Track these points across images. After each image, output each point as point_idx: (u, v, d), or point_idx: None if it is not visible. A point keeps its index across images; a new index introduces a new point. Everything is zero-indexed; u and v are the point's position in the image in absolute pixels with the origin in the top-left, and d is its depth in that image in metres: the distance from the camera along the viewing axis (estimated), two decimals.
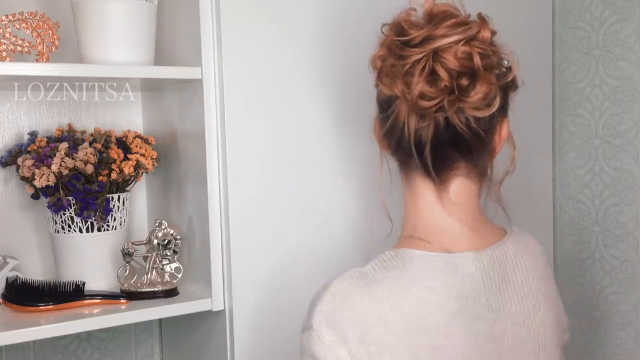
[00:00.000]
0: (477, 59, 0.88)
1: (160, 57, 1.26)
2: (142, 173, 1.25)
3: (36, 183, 1.16)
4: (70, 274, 1.21)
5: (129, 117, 1.40)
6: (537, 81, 1.58)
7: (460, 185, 0.95)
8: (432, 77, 0.87)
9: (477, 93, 0.88)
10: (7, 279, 1.14)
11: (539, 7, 1.57)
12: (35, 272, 1.30)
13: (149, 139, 1.28)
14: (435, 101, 0.87)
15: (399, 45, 0.90)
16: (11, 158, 1.24)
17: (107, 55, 1.15)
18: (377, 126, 1.00)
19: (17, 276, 1.15)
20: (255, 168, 1.20)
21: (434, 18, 0.91)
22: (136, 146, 1.24)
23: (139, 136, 1.27)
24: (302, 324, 0.91)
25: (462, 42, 0.88)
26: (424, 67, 0.87)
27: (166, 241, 1.23)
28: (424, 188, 0.96)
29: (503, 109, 0.95)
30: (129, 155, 1.22)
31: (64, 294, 1.15)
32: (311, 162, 1.25)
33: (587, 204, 1.57)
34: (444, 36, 0.88)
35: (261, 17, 1.19)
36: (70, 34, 1.20)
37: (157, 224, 1.23)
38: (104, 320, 1.12)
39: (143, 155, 1.24)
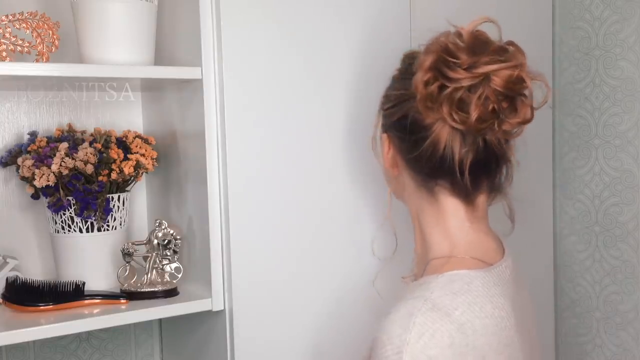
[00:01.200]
0: (528, 83, 0.93)
1: (160, 57, 1.26)
2: (142, 173, 1.25)
3: (36, 183, 1.16)
4: (70, 274, 1.21)
5: (129, 117, 1.40)
6: (537, 81, 1.58)
7: (482, 201, 0.99)
8: (485, 101, 0.91)
9: (519, 115, 0.93)
10: (7, 279, 1.14)
11: (539, 7, 1.57)
12: (35, 272, 1.30)
13: (149, 139, 1.28)
14: (488, 123, 0.91)
15: (450, 68, 0.91)
16: (11, 158, 1.24)
17: (107, 55, 1.15)
18: (389, 146, 1.01)
19: (17, 276, 1.15)
20: (256, 168, 1.20)
21: (477, 43, 0.93)
22: (136, 146, 1.24)
23: (139, 136, 1.27)
24: None
25: (509, 68, 0.92)
26: (480, 91, 0.90)
27: (166, 241, 1.23)
28: (453, 206, 0.98)
29: None
30: (129, 155, 1.22)
31: (64, 294, 1.15)
32: (311, 161, 1.25)
33: (587, 204, 1.57)
34: (492, 62, 0.91)
35: (261, 17, 1.19)
36: (70, 34, 1.20)
37: (157, 224, 1.23)
38: (104, 320, 1.12)
39: (143, 155, 1.24)
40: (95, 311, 1.14)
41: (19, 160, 1.21)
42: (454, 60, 0.91)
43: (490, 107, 0.90)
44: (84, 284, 1.17)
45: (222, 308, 1.21)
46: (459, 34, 0.94)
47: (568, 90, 1.59)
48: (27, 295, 1.13)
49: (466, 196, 0.98)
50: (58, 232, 1.21)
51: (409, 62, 1.01)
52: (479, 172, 0.96)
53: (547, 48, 1.61)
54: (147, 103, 1.40)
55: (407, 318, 0.88)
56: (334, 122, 1.27)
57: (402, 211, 1.08)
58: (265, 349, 1.22)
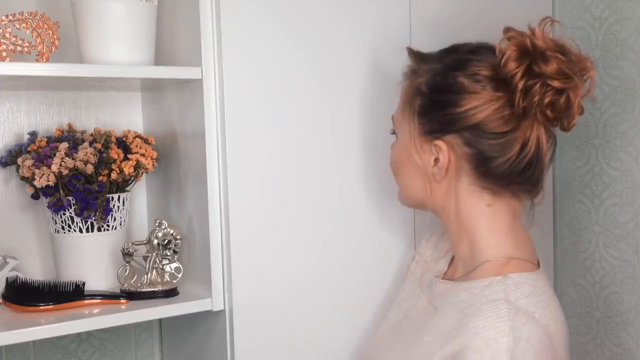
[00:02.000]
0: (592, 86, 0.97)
1: (160, 57, 1.26)
2: (142, 173, 1.25)
3: (36, 183, 1.16)
4: (70, 274, 1.21)
5: (129, 117, 1.40)
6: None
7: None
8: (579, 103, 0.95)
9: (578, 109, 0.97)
10: (7, 279, 1.14)
11: (539, 7, 1.57)
12: (35, 272, 1.30)
13: (149, 139, 1.28)
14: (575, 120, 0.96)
15: (550, 77, 0.92)
16: (11, 158, 1.24)
17: (107, 55, 1.15)
18: (448, 153, 0.98)
19: (17, 276, 1.15)
20: (256, 168, 1.20)
21: (559, 46, 0.96)
22: (136, 146, 1.24)
23: (139, 136, 1.27)
24: None
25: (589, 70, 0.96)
26: (577, 95, 0.94)
27: (166, 241, 1.23)
28: (513, 208, 1.00)
29: None
30: (129, 155, 1.22)
31: (64, 294, 1.15)
32: (311, 162, 1.25)
33: (587, 204, 1.57)
34: (582, 66, 0.95)
35: (261, 17, 1.19)
36: (70, 34, 1.20)
37: (157, 224, 1.23)
38: (104, 320, 1.12)
39: (143, 155, 1.24)
40: (95, 311, 1.14)
41: (19, 160, 1.21)
42: (550, 62, 0.92)
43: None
44: (84, 284, 1.17)
45: (222, 308, 1.21)
46: (534, 35, 0.95)
47: None
48: (27, 295, 1.13)
49: (530, 195, 1.00)
50: (58, 232, 1.21)
51: (473, 65, 0.96)
52: (549, 160, 0.99)
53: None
54: (147, 103, 1.40)
55: (500, 322, 0.88)
56: (334, 121, 1.27)
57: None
58: (265, 349, 1.22)
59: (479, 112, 0.94)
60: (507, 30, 0.94)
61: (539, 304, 0.91)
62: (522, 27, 1.56)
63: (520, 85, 0.91)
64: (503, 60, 0.92)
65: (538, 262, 1.02)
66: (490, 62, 0.95)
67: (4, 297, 1.14)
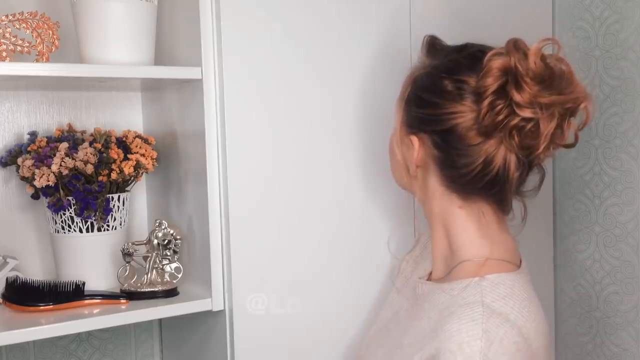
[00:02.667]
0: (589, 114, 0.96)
1: (160, 57, 1.26)
2: (142, 173, 1.25)
3: (36, 183, 1.16)
4: (70, 274, 1.21)
5: (129, 117, 1.40)
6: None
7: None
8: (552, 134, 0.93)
9: (566, 137, 0.95)
10: (7, 279, 1.14)
11: (539, 7, 1.57)
12: (35, 272, 1.30)
13: (149, 139, 1.28)
14: (549, 150, 0.94)
15: (520, 103, 0.90)
16: (11, 158, 1.24)
17: (107, 55, 1.15)
18: (419, 148, 0.99)
19: (17, 276, 1.15)
20: (256, 168, 1.20)
21: (545, 73, 0.92)
22: (136, 146, 1.24)
23: (139, 136, 1.27)
24: None
25: (573, 101, 0.94)
26: (549, 126, 0.91)
27: (166, 241, 1.23)
28: (488, 210, 0.99)
29: None
30: (129, 155, 1.22)
31: (64, 294, 1.15)
32: (311, 161, 1.25)
33: (587, 204, 1.57)
34: (561, 95, 0.93)
35: (261, 17, 1.19)
36: (70, 34, 1.20)
37: (157, 224, 1.23)
38: (104, 320, 1.12)
39: (143, 155, 1.24)
40: (95, 311, 1.14)
41: (19, 160, 1.21)
42: (523, 90, 0.89)
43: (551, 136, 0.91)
44: (84, 284, 1.17)
45: (222, 308, 1.21)
46: (525, 57, 0.91)
47: None
48: (27, 295, 1.13)
49: (504, 204, 0.99)
50: (58, 232, 1.21)
51: (464, 73, 0.95)
52: (518, 183, 0.97)
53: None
54: (147, 103, 1.40)
55: (474, 325, 0.88)
56: (334, 121, 1.27)
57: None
58: (265, 348, 1.22)
59: (454, 119, 0.94)
60: (507, 43, 0.92)
61: (515, 305, 0.91)
62: (522, 26, 1.56)
63: (486, 101, 0.90)
64: (482, 73, 0.91)
65: (520, 262, 1.01)
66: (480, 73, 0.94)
67: (4, 297, 1.14)
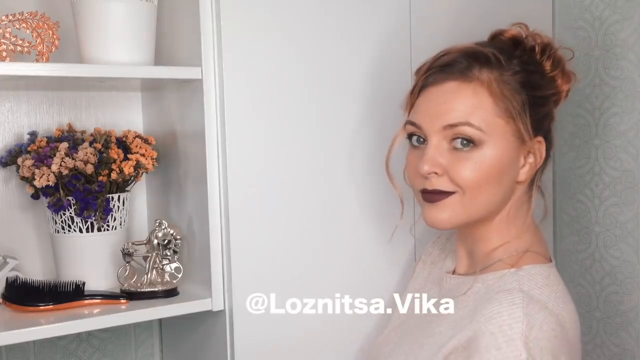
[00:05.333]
0: None
1: (160, 57, 1.26)
2: (142, 173, 1.25)
3: (36, 183, 1.16)
4: (70, 274, 1.21)
5: (129, 117, 1.40)
6: None
7: None
8: None
9: None
10: (7, 279, 1.14)
11: (539, 7, 1.57)
12: (35, 272, 1.30)
13: (149, 139, 1.28)
14: None
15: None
16: (11, 158, 1.24)
17: (107, 55, 1.15)
18: (544, 149, 1.00)
19: (17, 276, 1.15)
20: (255, 168, 1.20)
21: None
22: (136, 146, 1.24)
23: (139, 136, 1.27)
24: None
25: None
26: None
27: (166, 241, 1.23)
28: (530, 203, 1.01)
29: None
30: (129, 155, 1.22)
31: (64, 294, 1.15)
32: (311, 161, 1.25)
33: (587, 204, 1.57)
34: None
35: (261, 17, 1.19)
36: (70, 34, 1.20)
37: (157, 224, 1.23)
38: (104, 320, 1.12)
39: (143, 155, 1.24)
40: (95, 311, 1.14)
41: (19, 160, 1.21)
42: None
43: None
44: (84, 284, 1.17)
45: (222, 308, 1.21)
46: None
47: None
48: (27, 295, 1.13)
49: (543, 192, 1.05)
50: (58, 232, 1.21)
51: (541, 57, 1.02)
52: None
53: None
54: (147, 103, 1.40)
55: (515, 308, 0.88)
56: (334, 121, 1.27)
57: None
58: (265, 349, 1.22)
59: (550, 108, 1.04)
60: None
61: (551, 295, 0.92)
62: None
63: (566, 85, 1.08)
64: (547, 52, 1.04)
65: (550, 257, 1.03)
66: None
67: (4, 297, 1.14)
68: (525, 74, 0.97)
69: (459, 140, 0.94)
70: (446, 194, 0.96)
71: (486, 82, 0.94)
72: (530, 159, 0.98)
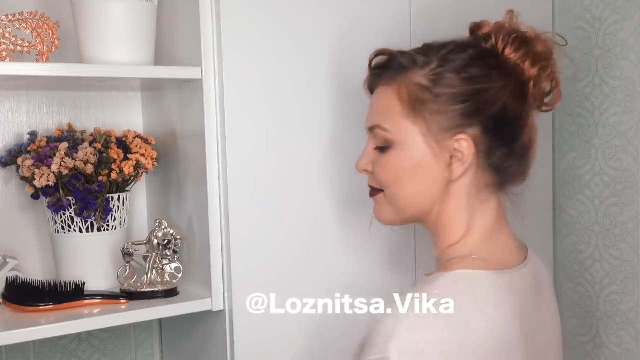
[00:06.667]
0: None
1: (160, 57, 1.26)
2: (142, 173, 1.25)
3: (36, 183, 1.16)
4: (70, 274, 1.21)
5: (129, 117, 1.40)
6: None
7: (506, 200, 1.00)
8: None
9: None
10: (7, 279, 1.14)
11: (539, 7, 1.57)
12: (35, 272, 1.30)
13: (149, 139, 1.28)
14: None
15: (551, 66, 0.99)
16: (11, 158, 1.24)
17: (107, 55, 1.15)
18: (471, 148, 0.93)
19: (17, 276, 1.15)
20: (255, 168, 1.20)
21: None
22: (136, 146, 1.24)
23: (139, 136, 1.27)
24: (363, 353, 0.87)
25: None
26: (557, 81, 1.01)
27: (166, 241, 1.23)
28: (493, 205, 0.97)
29: None
30: (129, 155, 1.22)
31: (64, 294, 1.15)
32: (311, 161, 1.25)
33: (587, 204, 1.57)
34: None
35: (261, 17, 1.19)
36: (70, 34, 1.20)
37: (157, 224, 1.23)
38: (104, 320, 1.12)
39: (143, 155, 1.24)
40: (95, 311, 1.14)
41: (19, 160, 1.21)
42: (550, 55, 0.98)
43: None
44: (84, 284, 1.17)
45: (222, 308, 1.21)
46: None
47: (568, 90, 1.59)
48: (27, 295, 1.13)
49: (506, 189, 0.99)
50: (58, 232, 1.21)
51: (488, 50, 0.99)
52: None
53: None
54: (147, 103, 1.40)
55: (402, 311, 0.87)
56: (334, 121, 1.27)
57: None
58: (265, 349, 1.22)
59: (498, 101, 0.97)
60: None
61: (463, 301, 0.88)
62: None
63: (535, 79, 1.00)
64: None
65: (502, 266, 0.96)
66: None
67: (4, 297, 1.14)
68: (448, 71, 0.95)
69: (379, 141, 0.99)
70: (377, 190, 1.01)
71: (397, 85, 0.97)
72: (459, 157, 0.94)
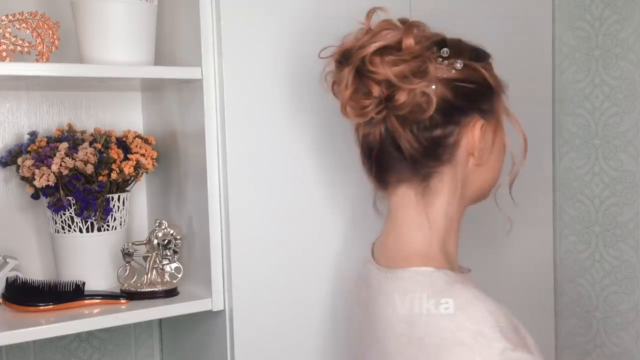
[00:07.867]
0: (390, 69, 0.89)
1: (160, 57, 1.26)
2: (142, 173, 1.25)
3: (36, 183, 1.16)
4: (70, 274, 1.21)
5: (129, 117, 1.40)
6: (537, 81, 1.58)
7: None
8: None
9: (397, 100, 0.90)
10: (7, 279, 1.14)
11: (539, 7, 1.57)
12: (35, 272, 1.30)
13: (149, 139, 1.28)
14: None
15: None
16: (11, 158, 1.24)
17: (107, 55, 1.15)
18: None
19: (17, 276, 1.15)
20: (256, 168, 1.20)
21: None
22: (136, 146, 1.24)
23: (139, 136, 1.27)
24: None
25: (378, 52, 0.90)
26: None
27: (166, 241, 1.23)
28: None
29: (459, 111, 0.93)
30: (129, 155, 1.22)
31: (64, 294, 1.15)
32: (311, 161, 1.25)
33: (587, 204, 1.57)
34: (362, 46, 0.92)
35: (261, 17, 1.19)
36: (70, 34, 1.20)
37: (157, 224, 1.23)
38: (104, 320, 1.12)
39: (143, 155, 1.24)
40: (95, 311, 1.14)
41: (19, 160, 1.21)
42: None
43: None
44: (84, 284, 1.17)
45: (222, 308, 1.21)
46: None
47: (568, 90, 1.59)
48: (27, 295, 1.13)
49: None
50: (58, 232, 1.21)
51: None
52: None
53: (547, 48, 1.61)
54: (147, 103, 1.40)
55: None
56: (334, 121, 1.27)
57: None
58: (265, 349, 1.22)
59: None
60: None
61: None
62: (522, 26, 1.56)
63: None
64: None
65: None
66: None
67: (4, 297, 1.14)
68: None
69: None
70: None
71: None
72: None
